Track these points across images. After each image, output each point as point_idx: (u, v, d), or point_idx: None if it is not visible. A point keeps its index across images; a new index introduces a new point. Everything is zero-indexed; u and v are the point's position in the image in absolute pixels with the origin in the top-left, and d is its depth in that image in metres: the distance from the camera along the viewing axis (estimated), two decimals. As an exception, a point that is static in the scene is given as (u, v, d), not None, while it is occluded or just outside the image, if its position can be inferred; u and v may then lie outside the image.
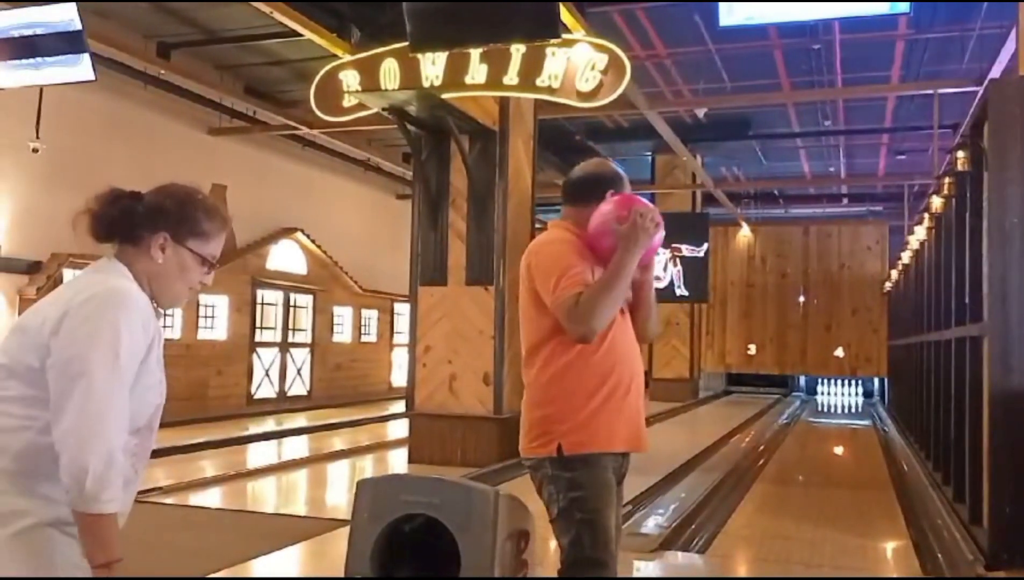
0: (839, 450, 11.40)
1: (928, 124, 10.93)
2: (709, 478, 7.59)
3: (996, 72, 8.47)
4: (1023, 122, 4.68)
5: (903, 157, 15.72)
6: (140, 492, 5.89)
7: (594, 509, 2.38)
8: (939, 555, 5.06)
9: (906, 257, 11.88)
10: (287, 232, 13.72)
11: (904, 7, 5.69)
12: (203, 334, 11.96)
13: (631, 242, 2.36)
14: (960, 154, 5.60)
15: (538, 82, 7.51)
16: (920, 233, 9.49)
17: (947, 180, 6.71)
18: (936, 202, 7.79)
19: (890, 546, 5.52)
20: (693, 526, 5.70)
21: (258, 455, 9.03)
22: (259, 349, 13.22)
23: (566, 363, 2.41)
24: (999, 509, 4.55)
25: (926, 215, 8.77)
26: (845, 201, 20.04)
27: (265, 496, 7.14)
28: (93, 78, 7.15)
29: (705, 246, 15.89)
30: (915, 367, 9.93)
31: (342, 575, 2.80)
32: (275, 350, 13.65)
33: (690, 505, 6.33)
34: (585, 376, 2.41)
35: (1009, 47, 7.83)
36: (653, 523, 5.73)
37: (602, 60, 7.31)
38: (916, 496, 7.04)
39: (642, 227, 2.36)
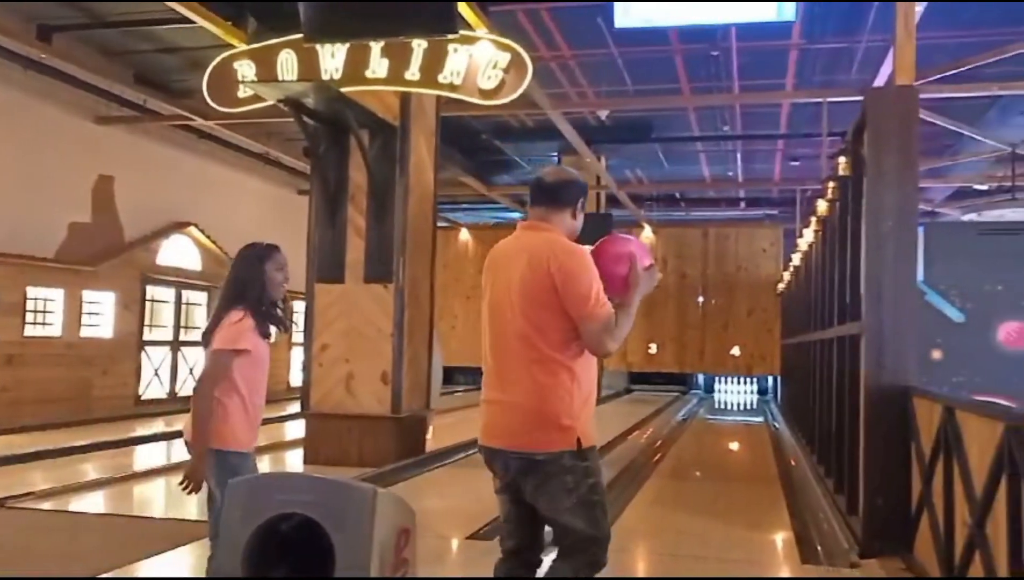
0: (733, 446, 11.72)
1: (820, 131, 11.34)
2: (606, 474, 7.60)
3: (880, 82, 8.85)
4: (898, 130, 4.90)
5: (797, 163, 16.30)
6: (11, 497, 5.59)
7: (604, 491, 2.67)
8: (818, 546, 5.25)
9: (796, 259, 12.31)
10: (179, 226, 13.30)
11: (790, 14, 5.87)
12: (87, 332, 11.46)
13: (650, 285, 2.77)
14: (842, 160, 5.82)
15: (440, 78, 7.47)
16: (808, 236, 9.85)
17: (831, 185, 6.98)
18: (822, 206, 8.09)
19: (773, 538, 5.68)
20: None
21: (147, 457, 8.71)
22: (148, 348, 12.75)
23: (581, 364, 2.63)
24: (872, 500, 4.75)
25: (813, 219, 9.10)
26: (743, 205, 20.64)
27: (154, 500, 6.90)
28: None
29: (608, 247, 16.11)
30: (803, 365, 10.30)
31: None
32: (166, 349, 13.19)
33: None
34: (590, 376, 2.67)
35: (891, 58, 8.17)
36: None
37: (504, 58, 7.33)
38: (801, 489, 7.29)
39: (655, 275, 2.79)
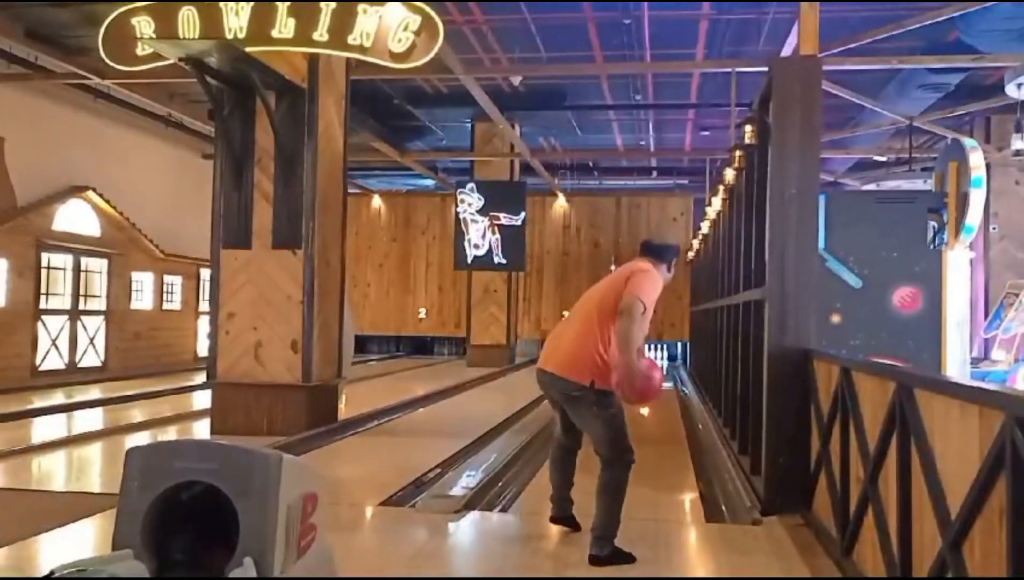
0: (643, 411, 11.94)
1: (729, 101, 11.53)
2: (518, 439, 7.75)
3: (787, 53, 9.05)
4: (802, 98, 5.02)
5: (707, 133, 16.58)
6: None
7: (621, 417, 4.20)
8: (723, 505, 5.42)
9: (705, 227, 12.57)
10: (77, 190, 12.71)
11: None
12: (-22, 301, 10.90)
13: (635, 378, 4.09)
14: (748, 128, 5.94)
15: (349, 40, 7.30)
16: (716, 204, 10.05)
17: (738, 153, 7.12)
18: (729, 174, 8.26)
19: (680, 498, 5.83)
20: (499, 485, 5.82)
21: (44, 430, 8.36)
22: (45, 317, 12.22)
23: (611, 336, 4.03)
24: (773, 460, 4.92)
25: (721, 186, 9.29)
26: (654, 174, 20.91)
27: (53, 473, 6.64)
28: None
29: (522, 215, 16.14)
30: (711, 331, 10.57)
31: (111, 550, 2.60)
32: (64, 318, 12.65)
33: (497, 466, 6.44)
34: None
35: (796, 30, 8.36)
36: (461, 485, 5.79)
37: (415, 21, 7.20)
38: (707, 451, 7.50)
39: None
